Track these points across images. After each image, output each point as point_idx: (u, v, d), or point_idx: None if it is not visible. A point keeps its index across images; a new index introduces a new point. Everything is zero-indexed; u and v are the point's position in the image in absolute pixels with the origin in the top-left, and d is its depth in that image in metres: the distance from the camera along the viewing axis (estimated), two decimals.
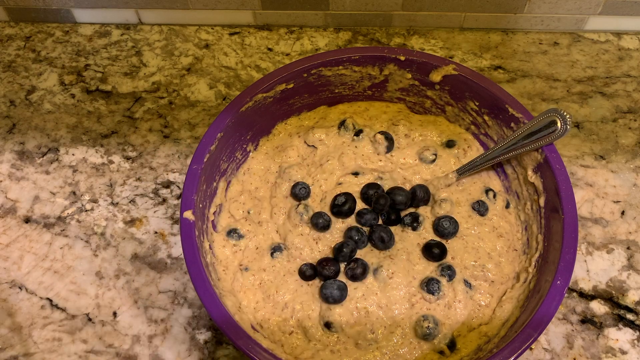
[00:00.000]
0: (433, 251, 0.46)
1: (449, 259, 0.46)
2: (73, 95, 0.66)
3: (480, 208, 0.49)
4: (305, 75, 0.50)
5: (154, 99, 0.65)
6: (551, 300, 0.38)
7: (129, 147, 0.61)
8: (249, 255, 0.47)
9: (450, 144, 0.52)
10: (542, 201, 0.45)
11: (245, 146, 0.51)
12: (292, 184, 0.50)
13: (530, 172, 0.46)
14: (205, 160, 0.44)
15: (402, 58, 0.49)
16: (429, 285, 0.44)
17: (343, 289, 0.44)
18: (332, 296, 0.43)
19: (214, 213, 0.48)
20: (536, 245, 0.44)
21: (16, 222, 0.56)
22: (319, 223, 0.47)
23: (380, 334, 0.43)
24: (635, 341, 0.48)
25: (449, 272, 0.45)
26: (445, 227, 0.47)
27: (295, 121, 0.54)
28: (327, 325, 0.43)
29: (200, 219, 0.44)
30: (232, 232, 0.48)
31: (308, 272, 0.46)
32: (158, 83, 0.66)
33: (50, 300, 0.52)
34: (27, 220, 0.56)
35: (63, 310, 0.51)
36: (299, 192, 0.49)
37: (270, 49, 0.69)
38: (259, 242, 0.48)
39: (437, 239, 0.47)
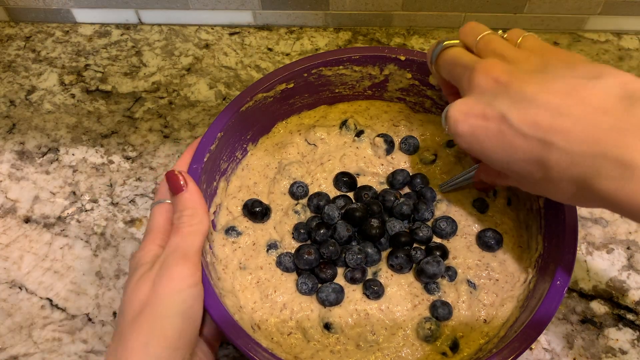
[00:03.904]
0: (435, 254, 0.45)
1: (450, 258, 0.46)
2: (73, 95, 0.66)
3: (480, 205, 0.48)
4: (306, 75, 0.50)
5: (154, 99, 0.65)
6: (551, 300, 0.38)
7: (129, 147, 0.61)
8: (246, 252, 0.47)
9: (450, 144, 0.52)
10: (541, 201, 0.44)
11: (245, 146, 0.51)
12: (291, 182, 0.50)
13: None
14: (205, 160, 0.44)
15: (403, 58, 0.49)
16: (427, 286, 0.44)
17: (339, 292, 0.44)
18: (328, 299, 0.43)
19: (214, 212, 0.48)
20: (536, 245, 0.44)
21: (16, 222, 0.56)
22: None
23: (382, 336, 0.43)
24: (635, 341, 0.48)
25: (449, 272, 0.45)
26: (443, 228, 0.46)
27: (296, 120, 0.54)
28: (327, 327, 0.43)
29: None
30: (230, 230, 0.48)
31: (287, 264, 0.45)
32: (158, 83, 0.66)
33: (50, 300, 0.52)
34: (27, 220, 0.56)
35: (63, 310, 0.51)
36: (297, 191, 0.49)
37: (270, 49, 0.69)
38: (257, 238, 0.48)
39: (437, 240, 0.47)
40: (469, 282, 0.45)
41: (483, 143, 0.34)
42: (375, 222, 0.45)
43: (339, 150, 0.51)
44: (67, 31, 0.72)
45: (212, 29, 0.71)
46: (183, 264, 0.37)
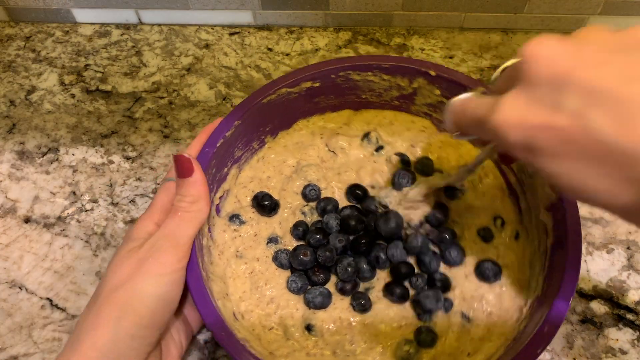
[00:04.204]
0: (438, 285, 0.44)
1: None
2: (73, 95, 0.66)
3: (484, 234, 0.47)
4: (333, 76, 0.49)
5: (154, 99, 0.65)
6: (534, 346, 0.36)
7: (129, 147, 0.61)
8: (246, 242, 0.47)
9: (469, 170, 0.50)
10: (549, 242, 0.42)
11: (263, 137, 0.51)
12: (305, 184, 0.49)
13: (542, 210, 0.43)
14: (218, 145, 0.44)
15: (433, 73, 0.47)
16: (421, 317, 0.44)
17: (326, 297, 0.44)
18: (314, 302, 0.43)
19: (220, 197, 0.48)
20: (536, 286, 0.42)
21: (16, 222, 0.56)
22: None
23: (359, 347, 0.42)
24: (635, 341, 0.48)
25: (446, 304, 0.44)
26: (453, 257, 0.45)
27: (318, 120, 0.53)
28: (308, 328, 0.43)
29: None
30: (234, 217, 0.48)
31: (283, 260, 0.46)
32: (158, 83, 0.66)
33: (50, 300, 0.51)
34: (27, 220, 0.56)
35: (63, 310, 0.51)
36: (309, 194, 0.49)
37: (270, 49, 0.69)
38: (260, 230, 0.48)
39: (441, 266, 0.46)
40: (463, 314, 0.44)
41: (548, 160, 0.25)
42: (363, 238, 0.45)
43: (357, 163, 0.51)
44: (67, 31, 0.72)
45: (212, 29, 0.71)
46: (172, 252, 0.37)
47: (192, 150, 0.43)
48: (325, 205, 0.48)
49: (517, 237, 0.47)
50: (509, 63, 0.30)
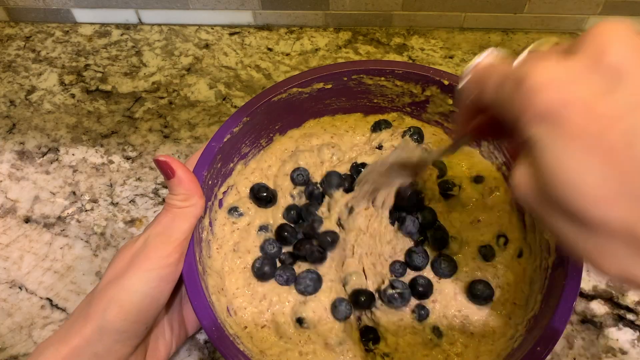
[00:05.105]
0: (418, 290, 0.43)
1: (429, 301, 0.44)
2: (73, 95, 0.66)
3: (485, 252, 0.45)
4: (345, 79, 0.49)
5: (154, 99, 0.65)
6: None
7: (129, 147, 0.61)
8: (242, 233, 0.47)
9: (478, 180, 0.49)
10: (551, 261, 0.42)
11: (272, 135, 0.51)
12: (295, 167, 0.49)
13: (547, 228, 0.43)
14: (225, 140, 0.44)
15: (446, 82, 0.47)
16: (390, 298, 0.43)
17: (317, 281, 0.44)
18: (307, 290, 0.44)
19: (223, 192, 0.48)
20: (534, 305, 0.41)
21: (16, 222, 0.56)
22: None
23: (350, 337, 0.43)
24: (635, 341, 0.48)
25: (422, 312, 0.43)
26: (442, 268, 0.44)
27: (329, 121, 0.53)
28: (299, 321, 0.43)
29: (206, 194, 0.43)
30: (232, 210, 0.48)
31: (264, 268, 0.45)
32: (158, 83, 0.66)
33: (50, 300, 0.51)
34: (27, 220, 0.56)
35: (63, 310, 0.51)
36: (296, 178, 0.48)
37: (270, 49, 0.69)
38: (253, 219, 0.48)
39: (431, 275, 0.46)
40: (435, 328, 0.43)
41: (559, 139, 0.21)
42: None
43: (355, 150, 0.51)
44: (67, 31, 0.72)
45: (212, 29, 0.71)
46: (161, 247, 0.37)
47: (191, 161, 0.44)
48: (313, 190, 0.47)
49: (520, 255, 0.46)
50: (545, 44, 0.26)
